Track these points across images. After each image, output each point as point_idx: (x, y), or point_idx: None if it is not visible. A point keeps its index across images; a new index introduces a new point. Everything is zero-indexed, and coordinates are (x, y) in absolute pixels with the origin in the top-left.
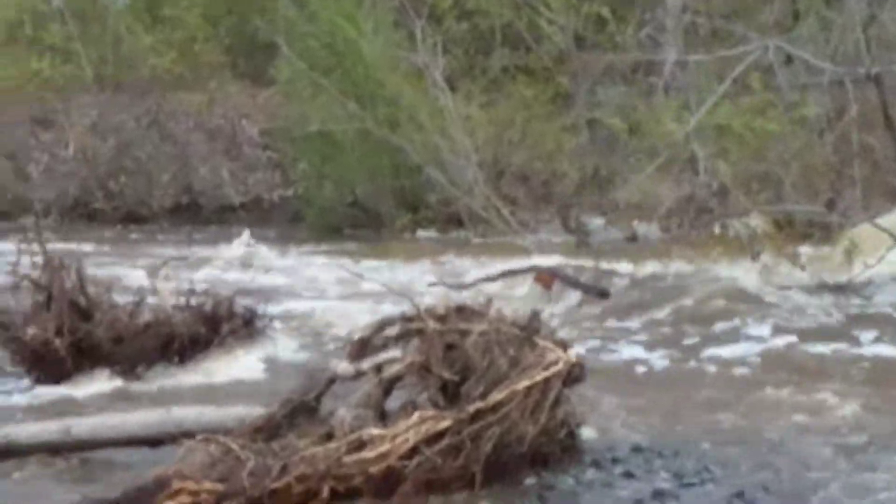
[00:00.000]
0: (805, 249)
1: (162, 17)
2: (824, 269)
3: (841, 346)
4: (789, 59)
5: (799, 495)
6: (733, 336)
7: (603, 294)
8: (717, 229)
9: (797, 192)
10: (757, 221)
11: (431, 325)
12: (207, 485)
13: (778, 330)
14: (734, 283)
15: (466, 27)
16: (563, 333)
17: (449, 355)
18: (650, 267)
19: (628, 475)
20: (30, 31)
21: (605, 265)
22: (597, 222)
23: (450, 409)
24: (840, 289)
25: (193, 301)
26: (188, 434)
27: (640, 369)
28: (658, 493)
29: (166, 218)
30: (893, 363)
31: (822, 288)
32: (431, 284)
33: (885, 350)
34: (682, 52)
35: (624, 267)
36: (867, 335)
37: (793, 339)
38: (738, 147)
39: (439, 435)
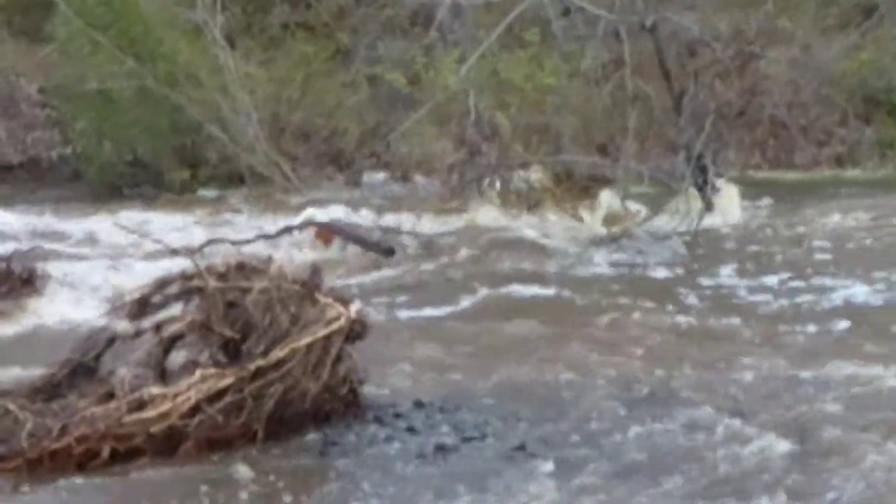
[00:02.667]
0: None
1: None
2: (601, 221)
3: (615, 299)
4: (567, 11)
5: (579, 447)
6: (514, 288)
7: (387, 251)
8: (497, 183)
9: (576, 144)
10: (538, 175)
11: (211, 282)
12: None
13: (553, 282)
14: (512, 234)
15: None
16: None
17: (229, 313)
18: (431, 221)
19: (410, 430)
20: None
21: (387, 221)
22: (378, 177)
23: (231, 367)
24: (615, 241)
25: None
26: None
27: (422, 324)
28: (440, 448)
29: None
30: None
31: (598, 240)
32: (211, 242)
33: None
34: None
35: (405, 222)
36: (643, 291)
37: (567, 291)
38: (518, 100)
39: (221, 393)
